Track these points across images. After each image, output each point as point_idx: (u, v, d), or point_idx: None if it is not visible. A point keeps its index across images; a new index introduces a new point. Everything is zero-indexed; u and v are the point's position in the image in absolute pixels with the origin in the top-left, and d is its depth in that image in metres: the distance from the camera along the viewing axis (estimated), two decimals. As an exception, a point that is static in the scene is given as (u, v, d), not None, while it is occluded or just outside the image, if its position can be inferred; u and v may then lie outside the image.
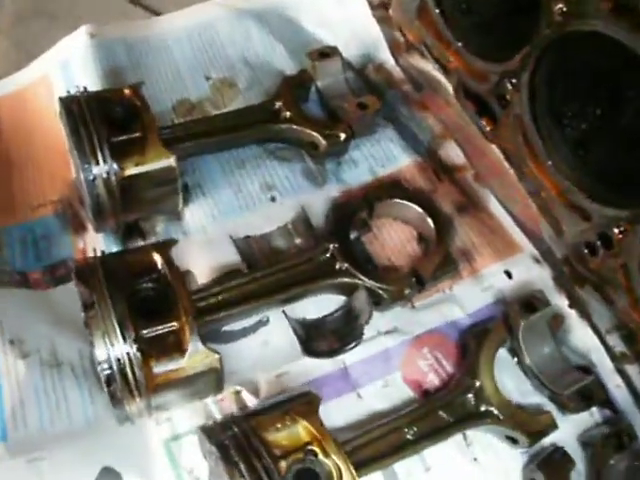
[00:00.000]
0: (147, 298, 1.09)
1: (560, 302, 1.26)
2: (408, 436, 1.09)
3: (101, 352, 1.03)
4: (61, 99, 1.25)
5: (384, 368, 1.20)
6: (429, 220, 1.32)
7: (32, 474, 1.08)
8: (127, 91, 1.27)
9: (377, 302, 1.24)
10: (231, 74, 1.54)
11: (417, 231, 1.35)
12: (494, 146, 1.38)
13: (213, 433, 0.99)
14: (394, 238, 1.35)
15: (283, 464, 0.94)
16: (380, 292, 1.23)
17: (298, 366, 1.19)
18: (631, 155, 1.18)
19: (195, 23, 1.61)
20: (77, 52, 1.51)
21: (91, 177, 1.18)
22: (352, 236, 1.30)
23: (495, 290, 1.29)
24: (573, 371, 1.20)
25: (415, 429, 1.10)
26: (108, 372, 1.03)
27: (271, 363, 1.20)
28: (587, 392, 1.18)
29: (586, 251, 1.17)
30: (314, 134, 1.40)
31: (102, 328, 1.03)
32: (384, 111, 1.48)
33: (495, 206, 1.38)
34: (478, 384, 1.15)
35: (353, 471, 0.97)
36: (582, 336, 1.24)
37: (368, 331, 1.23)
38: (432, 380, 1.20)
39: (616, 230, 1.10)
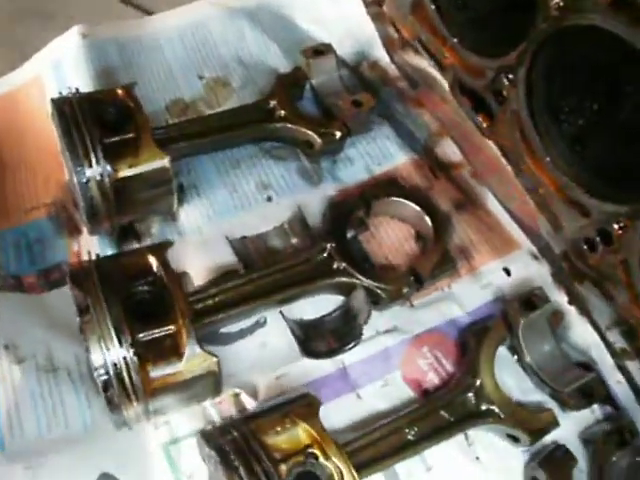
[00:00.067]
0: (143, 301, 1.08)
1: (559, 299, 1.25)
2: (409, 437, 1.09)
3: (97, 357, 1.02)
4: (53, 100, 1.24)
5: (384, 368, 1.20)
6: (426, 218, 1.31)
7: (30, 481, 1.07)
8: (120, 91, 1.26)
9: (375, 301, 1.23)
10: (225, 73, 1.53)
11: (414, 229, 1.34)
12: (491, 142, 1.38)
13: (212, 437, 0.98)
14: (391, 237, 1.34)
15: (283, 468, 0.93)
16: (378, 291, 1.22)
17: (297, 367, 1.19)
18: (629, 150, 1.18)
19: (187, 22, 1.60)
20: (69, 52, 1.50)
21: (84, 179, 1.17)
22: (349, 235, 1.30)
23: (494, 287, 1.28)
24: (573, 368, 1.20)
25: (416, 429, 1.09)
26: (105, 377, 1.01)
27: (269, 365, 1.19)
28: (588, 389, 1.18)
29: (585, 247, 1.16)
30: (309, 132, 1.39)
31: (97, 332, 1.02)
32: (379, 108, 1.47)
33: (492, 203, 1.37)
34: (478, 382, 1.14)
35: (355, 473, 0.96)
36: (582, 333, 1.23)
37: (367, 331, 1.23)
38: (432, 379, 1.20)
39: (616, 226, 1.09)
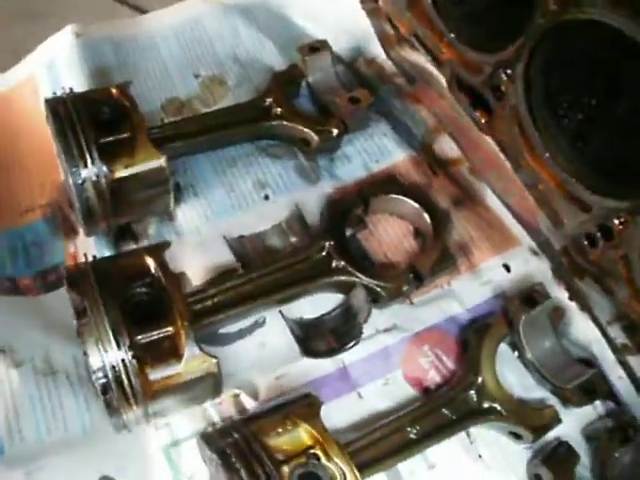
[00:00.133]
0: (141, 303, 1.08)
1: (560, 294, 1.25)
2: (411, 435, 1.08)
3: (95, 360, 1.01)
4: (47, 101, 1.23)
5: (384, 366, 1.19)
6: (425, 215, 1.30)
7: (30, 486, 1.07)
8: (114, 91, 1.25)
9: (375, 299, 1.23)
10: (220, 71, 1.52)
11: (413, 226, 1.34)
12: (489, 138, 1.37)
13: (213, 439, 0.98)
14: (390, 234, 1.33)
15: (285, 469, 0.93)
16: (378, 289, 1.22)
17: (297, 367, 1.18)
18: (628, 145, 1.17)
19: (182, 20, 1.59)
20: (63, 52, 1.49)
21: (80, 180, 1.16)
22: (348, 233, 1.29)
23: (494, 284, 1.27)
24: (575, 364, 1.19)
25: (418, 428, 1.09)
26: (103, 380, 1.01)
27: (269, 365, 1.18)
28: (590, 385, 1.18)
29: (586, 242, 1.16)
30: (306, 130, 1.38)
31: (95, 335, 1.01)
32: (377, 105, 1.46)
33: (491, 199, 1.37)
34: (480, 380, 1.14)
35: (357, 474, 0.96)
36: (583, 328, 1.23)
37: (367, 329, 1.22)
38: (433, 377, 1.19)
39: (616, 221, 1.08)
